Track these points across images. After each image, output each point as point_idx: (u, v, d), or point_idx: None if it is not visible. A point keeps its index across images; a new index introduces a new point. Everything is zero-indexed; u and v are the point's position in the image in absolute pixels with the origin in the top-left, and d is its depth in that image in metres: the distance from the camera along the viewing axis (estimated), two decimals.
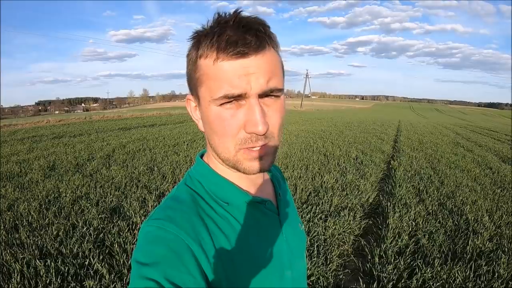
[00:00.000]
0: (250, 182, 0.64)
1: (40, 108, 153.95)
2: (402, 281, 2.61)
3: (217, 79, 0.50)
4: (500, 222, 3.77)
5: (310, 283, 2.55)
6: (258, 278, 0.56)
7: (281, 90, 0.53)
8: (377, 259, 2.90)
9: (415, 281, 2.59)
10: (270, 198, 0.67)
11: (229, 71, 0.49)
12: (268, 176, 0.72)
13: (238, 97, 0.50)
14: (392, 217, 3.68)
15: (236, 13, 0.50)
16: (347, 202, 4.18)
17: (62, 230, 3.23)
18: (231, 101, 0.50)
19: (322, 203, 4.10)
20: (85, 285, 2.41)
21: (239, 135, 0.52)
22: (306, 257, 2.64)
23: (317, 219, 3.54)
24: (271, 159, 0.56)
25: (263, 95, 0.51)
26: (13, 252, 2.81)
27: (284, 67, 0.58)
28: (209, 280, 0.51)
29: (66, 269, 2.57)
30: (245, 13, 0.51)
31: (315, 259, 2.82)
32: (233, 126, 0.51)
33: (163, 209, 0.57)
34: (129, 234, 3.15)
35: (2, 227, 3.31)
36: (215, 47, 0.49)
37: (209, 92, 0.51)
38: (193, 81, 0.55)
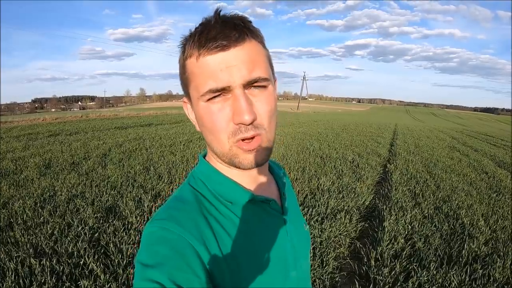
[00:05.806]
0: (254, 181, 0.63)
1: (36, 105, 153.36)
2: (398, 284, 2.62)
3: (201, 75, 0.51)
4: (496, 227, 3.79)
5: None
6: (262, 278, 0.55)
7: (266, 79, 0.53)
8: (373, 262, 2.90)
9: (411, 284, 2.59)
10: (274, 197, 0.67)
11: (211, 66, 0.50)
12: (271, 175, 0.72)
13: (223, 91, 0.51)
14: (388, 220, 3.69)
15: (216, 12, 0.52)
16: (343, 205, 4.18)
17: (57, 229, 3.20)
18: (217, 96, 0.51)
19: (318, 205, 4.09)
20: (80, 284, 2.38)
21: (229, 128, 0.52)
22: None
23: (314, 222, 3.53)
24: (266, 152, 0.56)
25: (247, 85, 0.51)
26: (7, 250, 2.78)
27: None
28: (214, 281, 0.50)
29: (61, 269, 2.55)
30: (225, 11, 0.52)
31: (311, 261, 2.82)
32: (222, 119, 0.52)
33: (166, 209, 0.56)
34: (124, 234, 3.13)
35: None
36: (197, 44, 0.51)
37: (196, 89, 0.53)
38: (183, 82, 0.57)
